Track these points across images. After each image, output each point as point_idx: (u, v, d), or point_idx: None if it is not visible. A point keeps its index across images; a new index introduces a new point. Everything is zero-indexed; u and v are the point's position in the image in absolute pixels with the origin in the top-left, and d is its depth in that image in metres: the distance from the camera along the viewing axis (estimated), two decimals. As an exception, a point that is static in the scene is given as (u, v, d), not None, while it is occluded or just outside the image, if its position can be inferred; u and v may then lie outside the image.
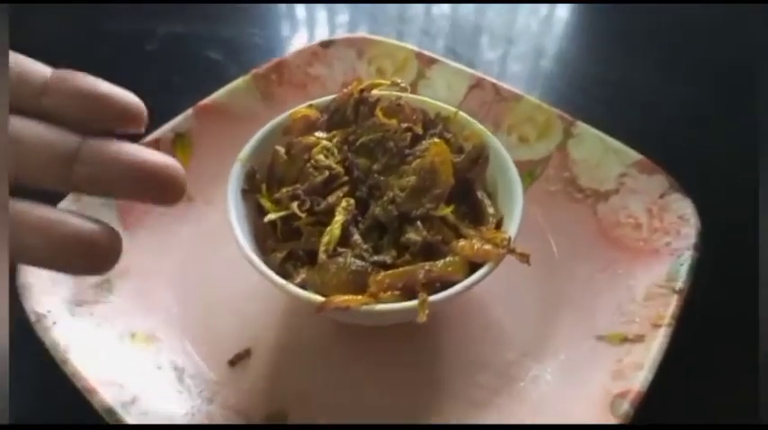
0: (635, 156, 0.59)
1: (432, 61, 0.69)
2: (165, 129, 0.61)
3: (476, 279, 0.43)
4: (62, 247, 0.27)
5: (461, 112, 0.55)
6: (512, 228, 0.46)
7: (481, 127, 0.53)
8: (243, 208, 0.50)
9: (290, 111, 0.54)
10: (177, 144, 0.61)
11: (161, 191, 0.29)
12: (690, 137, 0.70)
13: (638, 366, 0.46)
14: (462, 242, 0.45)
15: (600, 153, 0.60)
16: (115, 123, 0.29)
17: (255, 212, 0.50)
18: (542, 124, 0.63)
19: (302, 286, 0.44)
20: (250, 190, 0.50)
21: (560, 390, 0.47)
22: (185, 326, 0.51)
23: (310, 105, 0.54)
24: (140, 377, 0.46)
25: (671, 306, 0.49)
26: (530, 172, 0.62)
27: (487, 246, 0.44)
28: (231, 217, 0.47)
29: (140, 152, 0.29)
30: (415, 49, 0.70)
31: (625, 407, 0.43)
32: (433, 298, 0.42)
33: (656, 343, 0.46)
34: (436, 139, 0.50)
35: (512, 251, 0.44)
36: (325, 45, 0.71)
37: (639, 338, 0.48)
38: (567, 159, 0.62)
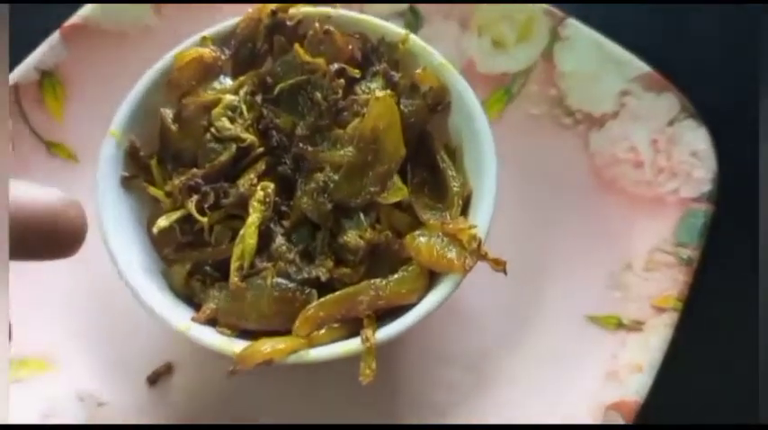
0: (640, 67, 0.46)
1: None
2: (24, 68, 0.46)
3: (436, 302, 0.33)
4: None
5: (414, 36, 0.40)
6: (482, 218, 0.35)
7: (441, 59, 0.40)
8: (127, 202, 0.37)
9: (175, 51, 0.39)
10: (45, 87, 0.47)
11: (53, 247, 0.24)
12: (716, 51, 0.51)
13: (636, 367, 0.38)
14: (420, 240, 0.35)
15: (596, 63, 0.47)
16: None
17: (149, 203, 0.38)
18: (523, 23, 0.49)
19: (213, 319, 0.34)
20: (134, 175, 0.38)
21: (544, 394, 0.40)
22: (89, 341, 0.42)
23: (204, 39, 0.39)
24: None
25: (678, 283, 0.40)
26: (506, 88, 0.49)
27: (451, 253, 0.33)
28: (105, 224, 0.35)
29: (17, 198, 0.23)
30: None
31: (620, 421, 0.36)
32: (381, 334, 0.33)
33: (658, 335, 0.38)
34: (378, 92, 0.36)
35: (483, 257, 0.34)
36: None
37: (637, 325, 0.40)
38: (553, 71, 0.48)
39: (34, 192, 0.23)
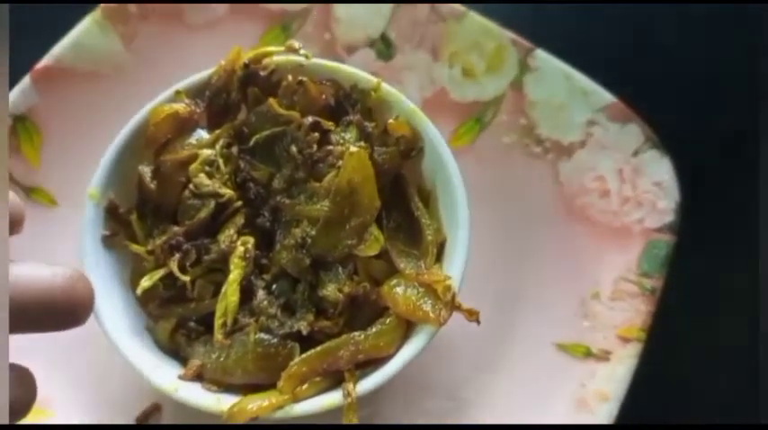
0: (606, 98, 0.47)
1: (345, -37, 0.51)
2: (-4, 114, 0.46)
3: (412, 354, 0.35)
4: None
5: (385, 84, 0.41)
6: (456, 269, 0.37)
7: (411, 106, 0.40)
8: (109, 260, 0.38)
9: (149, 106, 0.39)
10: (19, 132, 0.47)
11: (66, 321, 0.27)
12: (682, 82, 0.52)
13: (603, 397, 0.40)
14: (396, 291, 0.36)
15: (564, 93, 0.48)
16: None
17: (131, 258, 0.39)
18: (492, 52, 0.49)
19: (200, 374, 0.36)
20: (115, 233, 0.39)
21: (519, 419, 0.42)
22: (80, 385, 0.43)
23: (177, 93, 0.40)
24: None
25: (641, 313, 0.42)
26: (477, 117, 0.50)
27: (427, 305, 0.35)
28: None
29: (32, 280, 0.26)
30: (323, -54, 0.51)
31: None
32: (361, 388, 0.34)
33: (624, 366, 0.41)
34: (352, 147, 0.37)
35: (457, 308, 0.35)
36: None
37: (605, 355, 0.42)
38: (523, 101, 0.49)
39: (42, 273, 0.26)
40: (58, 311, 0.26)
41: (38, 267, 0.26)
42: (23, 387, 0.27)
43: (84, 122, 0.48)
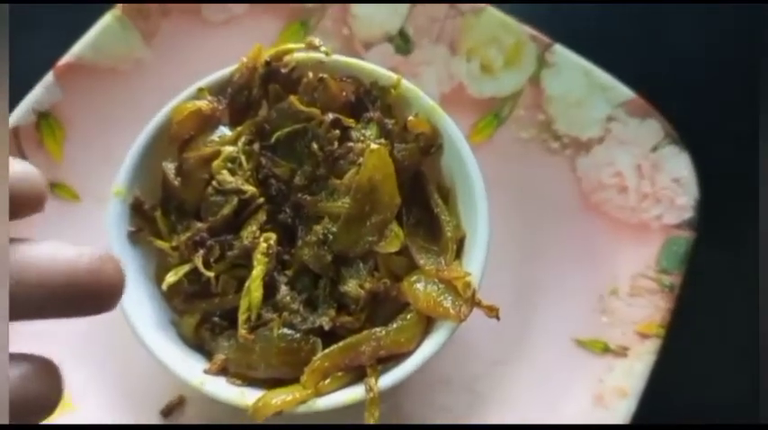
0: (625, 93, 0.47)
1: (364, -41, 0.51)
2: (22, 111, 0.46)
3: (433, 350, 0.36)
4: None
5: (405, 81, 0.41)
6: (476, 265, 0.37)
7: (431, 102, 0.41)
8: (134, 255, 0.39)
9: (173, 103, 0.40)
10: (43, 129, 0.47)
11: (94, 305, 0.24)
12: (702, 79, 0.52)
13: (622, 393, 0.40)
14: (417, 287, 0.37)
15: (583, 88, 0.48)
16: (14, 216, 0.23)
17: (156, 253, 0.40)
18: (510, 48, 0.49)
19: (224, 368, 0.36)
20: (140, 229, 0.39)
21: (535, 415, 0.42)
22: (105, 377, 0.44)
23: (200, 90, 0.40)
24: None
25: (660, 309, 0.42)
26: (495, 112, 0.50)
27: (447, 302, 0.35)
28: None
29: (55, 260, 0.23)
30: (341, -59, 0.51)
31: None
32: (383, 383, 0.35)
33: (642, 362, 0.41)
34: (373, 144, 0.37)
35: (477, 304, 0.36)
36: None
37: (623, 351, 0.42)
38: (541, 96, 0.49)
39: (66, 253, 0.23)
40: (83, 295, 0.23)
41: (61, 246, 0.23)
42: (48, 381, 0.23)
43: (106, 118, 0.49)
